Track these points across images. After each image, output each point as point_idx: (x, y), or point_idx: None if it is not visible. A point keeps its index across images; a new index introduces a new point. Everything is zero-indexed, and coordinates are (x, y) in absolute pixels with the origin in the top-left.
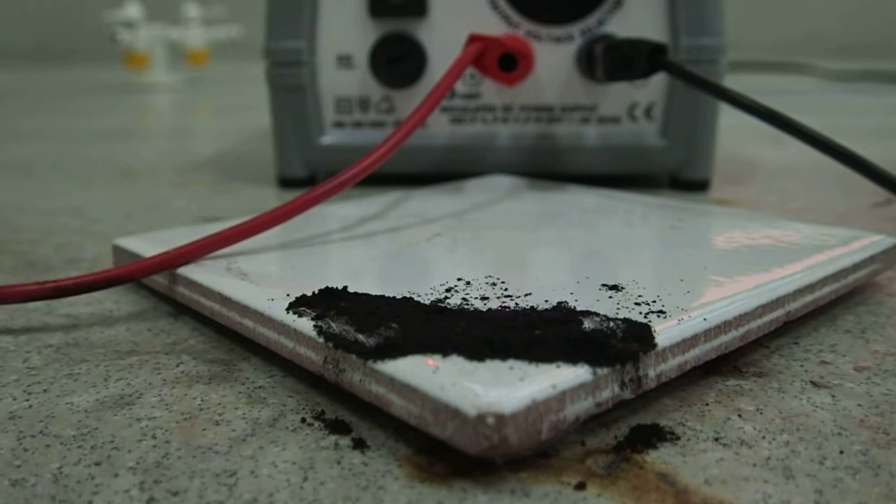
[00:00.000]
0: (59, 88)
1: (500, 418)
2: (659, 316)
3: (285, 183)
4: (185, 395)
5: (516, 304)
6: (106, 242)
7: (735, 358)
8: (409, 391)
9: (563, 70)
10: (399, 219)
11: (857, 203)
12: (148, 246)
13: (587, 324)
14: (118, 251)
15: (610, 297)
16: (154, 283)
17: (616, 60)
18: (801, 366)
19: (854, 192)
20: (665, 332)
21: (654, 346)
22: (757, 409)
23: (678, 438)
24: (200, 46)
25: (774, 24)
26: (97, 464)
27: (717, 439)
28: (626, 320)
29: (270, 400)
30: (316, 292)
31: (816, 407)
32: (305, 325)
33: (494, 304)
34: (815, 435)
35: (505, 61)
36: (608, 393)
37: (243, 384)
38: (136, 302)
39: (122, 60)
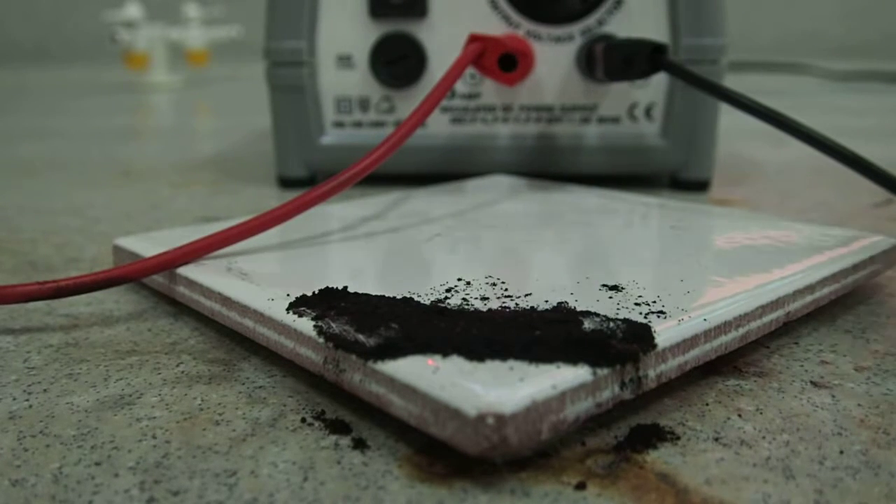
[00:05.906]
0: (58, 88)
1: (500, 418)
2: (659, 316)
3: (285, 183)
4: (185, 395)
5: (516, 304)
6: (106, 242)
7: (735, 358)
8: (409, 391)
9: (563, 70)
10: (399, 219)
11: (857, 203)
12: (148, 246)
13: (587, 324)
14: (118, 251)
15: (610, 297)
16: (154, 283)
17: (616, 60)
18: (801, 366)
19: (854, 192)
20: (665, 333)
21: (654, 346)
22: (757, 409)
23: (678, 438)
24: (200, 46)
25: (774, 24)
26: (97, 464)
27: (717, 439)
28: (626, 320)
29: (270, 400)
30: (316, 292)
31: (816, 407)
32: (305, 325)
33: (494, 304)
34: (815, 435)
35: (505, 61)
36: (608, 393)
37: (243, 384)
38: (136, 302)
39: (122, 60)
